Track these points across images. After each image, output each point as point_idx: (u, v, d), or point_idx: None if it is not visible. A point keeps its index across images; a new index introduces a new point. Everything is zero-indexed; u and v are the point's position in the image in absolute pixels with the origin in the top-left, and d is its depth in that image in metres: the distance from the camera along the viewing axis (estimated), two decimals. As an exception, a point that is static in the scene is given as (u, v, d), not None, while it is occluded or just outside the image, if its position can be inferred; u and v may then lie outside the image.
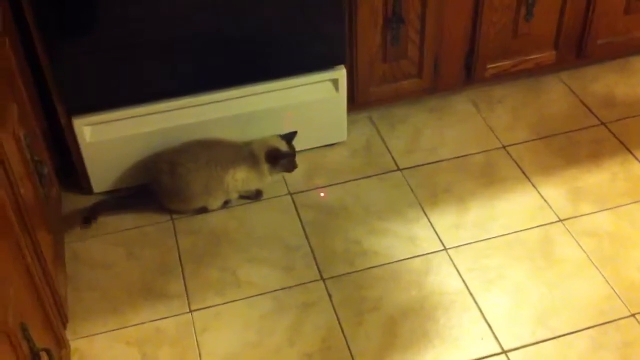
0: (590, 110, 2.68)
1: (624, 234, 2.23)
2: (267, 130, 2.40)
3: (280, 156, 2.31)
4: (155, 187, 2.30)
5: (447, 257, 2.18)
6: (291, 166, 2.35)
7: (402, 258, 2.18)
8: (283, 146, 2.33)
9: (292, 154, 2.34)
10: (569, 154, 2.51)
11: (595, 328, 1.97)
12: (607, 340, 1.94)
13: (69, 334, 1.96)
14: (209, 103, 2.33)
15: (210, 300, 2.08)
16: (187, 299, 2.09)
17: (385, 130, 2.63)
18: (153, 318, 2.04)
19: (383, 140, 2.59)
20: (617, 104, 2.70)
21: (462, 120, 2.66)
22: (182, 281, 2.14)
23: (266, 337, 1.99)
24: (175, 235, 2.27)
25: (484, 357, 1.92)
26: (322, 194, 2.31)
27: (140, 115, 2.29)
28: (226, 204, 2.35)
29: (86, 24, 2.11)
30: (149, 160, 2.34)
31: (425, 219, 2.29)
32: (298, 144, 2.41)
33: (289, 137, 2.36)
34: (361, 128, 2.64)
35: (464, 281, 2.11)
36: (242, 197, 2.37)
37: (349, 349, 1.95)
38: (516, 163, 2.47)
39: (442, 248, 2.20)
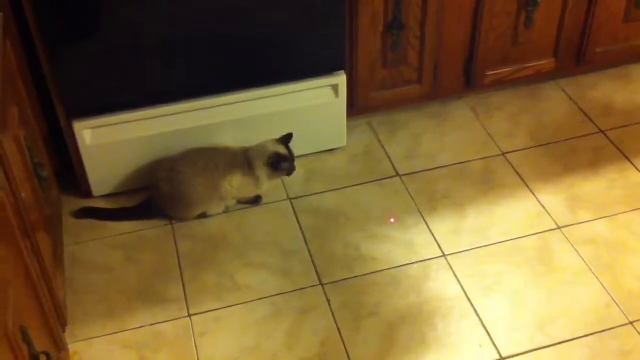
0: (589, 118, 2.69)
1: (622, 242, 2.23)
2: (267, 135, 2.40)
3: (283, 160, 2.30)
4: (155, 196, 2.30)
5: (446, 263, 2.18)
6: (292, 169, 2.35)
7: (401, 264, 2.18)
8: (282, 150, 2.32)
9: (292, 156, 2.34)
10: (568, 161, 2.51)
11: (594, 336, 1.97)
12: (606, 349, 1.94)
13: (67, 337, 1.96)
14: (209, 108, 2.34)
15: (209, 305, 2.08)
16: (186, 303, 2.09)
17: (384, 136, 2.63)
18: (152, 322, 2.04)
19: (382, 146, 2.59)
20: (615, 112, 2.71)
21: (462, 126, 2.67)
22: (181, 285, 2.14)
23: (264, 341, 1.99)
24: (175, 240, 2.27)
25: (482, 364, 1.93)
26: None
27: (140, 119, 2.28)
28: (225, 209, 2.35)
29: (87, 27, 2.11)
30: (149, 168, 2.34)
31: (424, 225, 2.30)
32: (297, 149, 2.41)
33: (286, 140, 2.35)
34: (361, 134, 2.64)
35: (462, 287, 2.11)
36: (241, 202, 2.37)
37: (347, 354, 1.95)
38: (515, 170, 2.48)
39: (441, 254, 2.21)
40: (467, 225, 2.29)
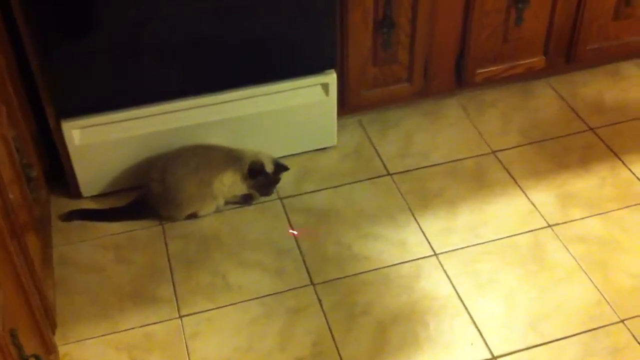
0: (579, 116, 2.69)
1: (613, 239, 2.23)
2: (257, 135, 2.39)
3: (260, 173, 2.29)
4: (147, 195, 2.29)
5: (438, 262, 2.18)
6: (266, 191, 2.34)
7: (393, 263, 2.18)
8: (270, 168, 2.31)
9: (272, 179, 2.33)
10: (558, 159, 2.51)
11: (586, 334, 1.98)
12: (598, 346, 1.95)
13: (58, 339, 1.95)
14: (199, 107, 2.32)
15: (200, 305, 2.07)
16: (177, 304, 2.08)
17: (375, 134, 2.63)
18: (143, 323, 2.03)
19: (373, 144, 2.59)
20: (606, 110, 2.72)
21: (453, 125, 2.67)
22: (172, 286, 2.13)
23: (256, 342, 1.98)
24: (165, 240, 2.26)
25: (474, 363, 1.93)
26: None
27: (129, 119, 2.27)
28: (216, 209, 2.34)
29: (76, 27, 2.10)
30: (139, 168, 2.32)
31: (416, 224, 2.29)
32: (288, 148, 2.41)
33: (281, 166, 2.35)
34: (351, 132, 2.63)
35: (454, 286, 2.11)
36: (231, 202, 2.36)
37: (339, 354, 1.95)
38: (505, 168, 2.48)
39: (433, 253, 2.20)
40: (459, 223, 2.29)
